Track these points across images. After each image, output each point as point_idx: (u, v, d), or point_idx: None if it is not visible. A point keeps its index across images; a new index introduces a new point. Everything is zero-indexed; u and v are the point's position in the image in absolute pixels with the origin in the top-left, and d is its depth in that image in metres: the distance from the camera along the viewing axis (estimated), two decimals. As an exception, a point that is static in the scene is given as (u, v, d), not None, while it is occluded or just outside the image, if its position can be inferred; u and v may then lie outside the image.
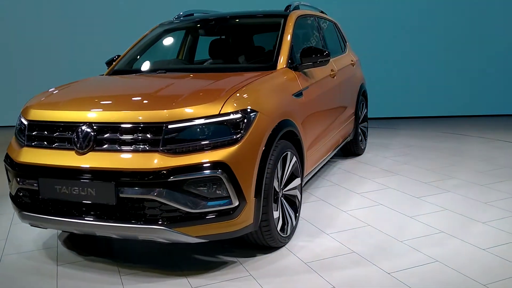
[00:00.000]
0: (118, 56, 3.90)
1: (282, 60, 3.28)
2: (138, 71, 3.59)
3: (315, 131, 3.57)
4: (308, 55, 3.37)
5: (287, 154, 2.88)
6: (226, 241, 2.90)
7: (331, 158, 5.02)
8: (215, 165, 2.34)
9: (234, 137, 2.43)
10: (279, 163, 2.77)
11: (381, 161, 4.96)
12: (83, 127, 2.49)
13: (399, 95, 7.87)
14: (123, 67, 3.70)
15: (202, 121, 2.39)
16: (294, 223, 3.03)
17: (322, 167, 4.61)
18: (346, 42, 5.15)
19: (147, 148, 2.40)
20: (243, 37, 4.34)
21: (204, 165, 2.34)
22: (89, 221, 2.45)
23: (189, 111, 2.42)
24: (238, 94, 2.57)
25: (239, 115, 2.47)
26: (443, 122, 7.31)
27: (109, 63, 3.89)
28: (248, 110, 2.52)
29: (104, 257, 2.84)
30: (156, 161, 2.35)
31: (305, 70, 3.46)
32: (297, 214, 3.09)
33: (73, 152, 2.49)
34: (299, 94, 3.24)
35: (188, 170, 2.33)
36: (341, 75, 4.35)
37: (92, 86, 3.19)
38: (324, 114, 3.82)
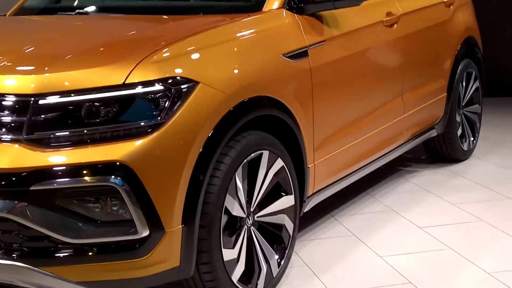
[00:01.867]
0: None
1: (274, -5, 3.23)
2: (51, 10, 3.78)
3: (337, 118, 3.52)
4: None
5: (261, 155, 2.88)
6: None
7: (397, 164, 4.90)
8: (109, 168, 2.37)
9: (147, 123, 2.44)
10: (241, 168, 2.76)
11: (488, 173, 4.83)
12: None
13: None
14: (35, 4, 3.89)
15: (93, 95, 2.42)
16: (275, 271, 3.01)
17: (373, 178, 4.51)
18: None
19: (5, 135, 2.44)
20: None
21: (92, 167, 2.37)
22: None
23: (73, 78, 2.47)
24: (161, 54, 2.59)
25: (157, 87, 2.49)
26: None
27: (23, -4, 4.04)
28: (177, 79, 2.54)
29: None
30: (13, 157, 2.39)
31: (321, 13, 3.38)
32: (283, 257, 3.07)
33: None
34: (300, 55, 3.19)
35: (65, 175, 2.37)
36: (412, 22, 4.24)
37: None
38: (362, 88, 3.74)
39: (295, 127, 3.08)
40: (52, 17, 3.62)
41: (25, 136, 2.43)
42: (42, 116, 2.44)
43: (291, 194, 3.07)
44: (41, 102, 2.44)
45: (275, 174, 2.97)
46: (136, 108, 2.46)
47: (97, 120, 2.43)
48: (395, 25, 4.03)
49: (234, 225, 2.79)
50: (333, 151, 3.49)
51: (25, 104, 2.45)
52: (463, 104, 5.04)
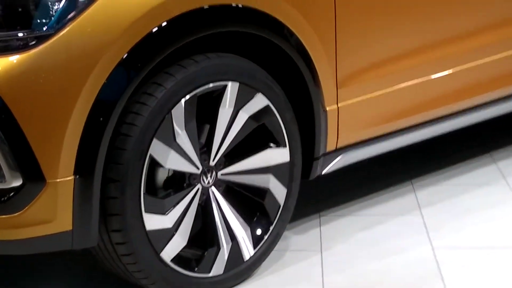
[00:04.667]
0: None
1: None
2: None
3: (387, 37, 3.02)
4: None
5: (226, 87, 2.59)
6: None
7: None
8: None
9: (30, 32, 2.25)
10: (183, 105, 2.50)
11: None
12: None
13: None
14: None
15: None
16: (246, 252, 2.76)
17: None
18: None
19: None
20: None
21: None
22: None
23: None
24: None
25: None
26: None
27: None
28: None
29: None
30: None
31: None
32: (263, 236, 2.81)
33: None
34: None
35: None
36: None
37: None
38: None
39: (292, 51, 2.69)
40: None
41: None
42: None
43: (285, 146, 2.77)
44: None
45: (253, 117, 2.67)
46: (14, 11, 2.28)
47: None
48: None
49: (178, 184, 2.58)
50: (376, 89, 3.03)
51: None
52: None
